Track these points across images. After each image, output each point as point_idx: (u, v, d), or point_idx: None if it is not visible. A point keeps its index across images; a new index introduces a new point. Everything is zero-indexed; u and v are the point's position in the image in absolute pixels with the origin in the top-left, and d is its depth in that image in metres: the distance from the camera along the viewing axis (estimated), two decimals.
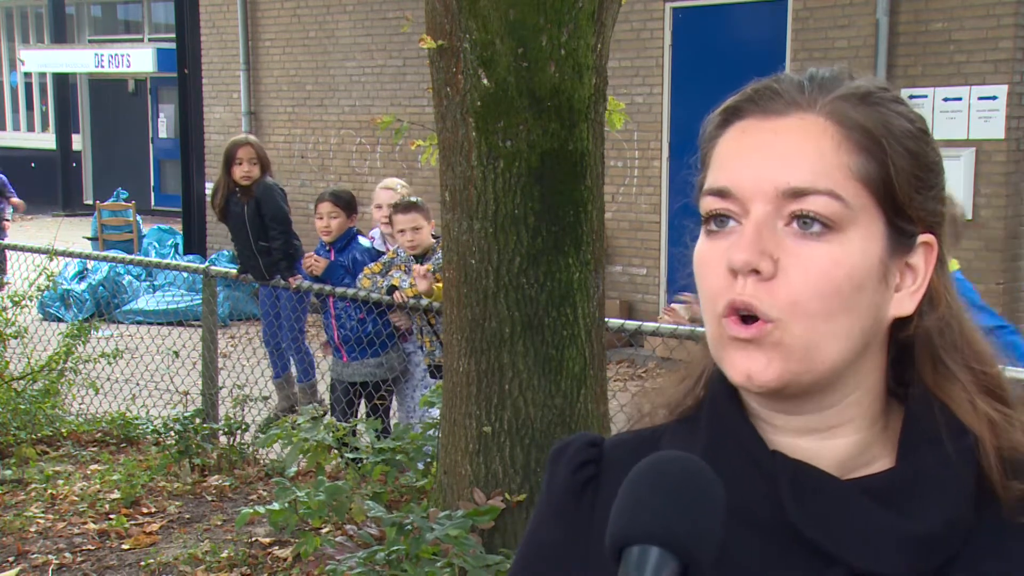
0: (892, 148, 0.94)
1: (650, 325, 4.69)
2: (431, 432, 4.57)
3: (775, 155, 0.93)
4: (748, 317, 0.92)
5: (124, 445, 6.10)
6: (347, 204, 6.16)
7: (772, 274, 0.91)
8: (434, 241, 5.51)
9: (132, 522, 4.90)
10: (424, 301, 5.36)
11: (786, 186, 0.92)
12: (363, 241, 6.25)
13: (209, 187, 11.47)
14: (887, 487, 0.94)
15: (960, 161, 7.66)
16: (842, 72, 0.98)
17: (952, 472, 0.94)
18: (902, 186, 0.94)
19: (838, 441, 0.97)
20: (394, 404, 6.06)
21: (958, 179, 7.68)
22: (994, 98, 7.70)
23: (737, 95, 0.99)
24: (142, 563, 4.46)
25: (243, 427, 5.76)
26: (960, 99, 7.81)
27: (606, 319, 4.07)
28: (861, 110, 0.94)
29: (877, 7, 8.11)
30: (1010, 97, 7.65)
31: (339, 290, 5.76)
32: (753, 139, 0.95)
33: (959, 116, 7.80)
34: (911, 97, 7.92)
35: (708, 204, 0.95)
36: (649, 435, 1.05)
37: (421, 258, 5.56)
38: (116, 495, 5.13)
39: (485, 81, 3.61)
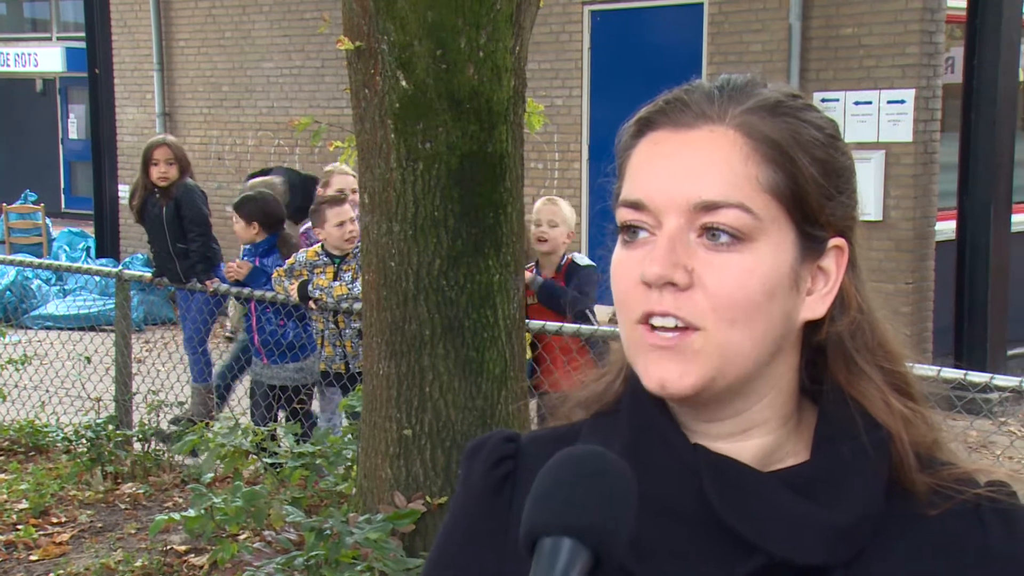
0: (800, 159, 0.95)
1: (571, 326, 4.71)
2: (351, 436, 4.53)
3: (685, 168, 0.94)
4: (664, 326, 0.93)
5: (33, 454, 5.94)
6: None
7: (688, 284, 0.93)
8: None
9: (41, 532, 4.78)
10: (344, 304, 5.32)
11: (697, 199, 0.93)
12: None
13: (122, 189, 11.26)
14: (806, 479, 0.96)
15: (870, 163, 7.84)
16: (754, 80, 0.99)
17: (867, 465, 0.96)
18: (811, 194, 0.96)
19: (753, 442, 0.99)
20: (316, 407, 6.00)
21: (868, 181, 7.86)
22: (902, 102, 7.89)
23: (650, 105, 1.00)
24: (51, 574, 4.34)
25: (158, 433, 5.65)
26: (870, 103, 7.99)
27: (527, 320, 4.08)
28: (770, 122, 0.96)
29: (790, 12, 8.26)
30: (917, 101, 7.85)
31: (257, 293, 5.68)
32: (664, 151, 0.96)
33: (869, 119, 7.98)
34: (823, 100, 8.09)
35: (623, 215, 0.97)
36: (566, 431, 1.06)
37: (341, 258, 5.51)
38: (24, 505, 5.00)
39: (403, 83, 3.59)
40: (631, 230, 0.96)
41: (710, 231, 0.93)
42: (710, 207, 0.93)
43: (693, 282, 0.93)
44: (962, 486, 0.97)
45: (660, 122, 0.98)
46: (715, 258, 0.93)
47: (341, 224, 5.48)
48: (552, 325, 4.72)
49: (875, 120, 7.96)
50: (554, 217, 5.20)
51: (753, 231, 0.93)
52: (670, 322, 0.93)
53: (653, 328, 0.94)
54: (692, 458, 0.97)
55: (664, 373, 0.94)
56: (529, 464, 1.02)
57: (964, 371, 3.84)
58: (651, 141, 0.97)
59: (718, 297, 0.92)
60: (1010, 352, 7.87)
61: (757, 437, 0.98)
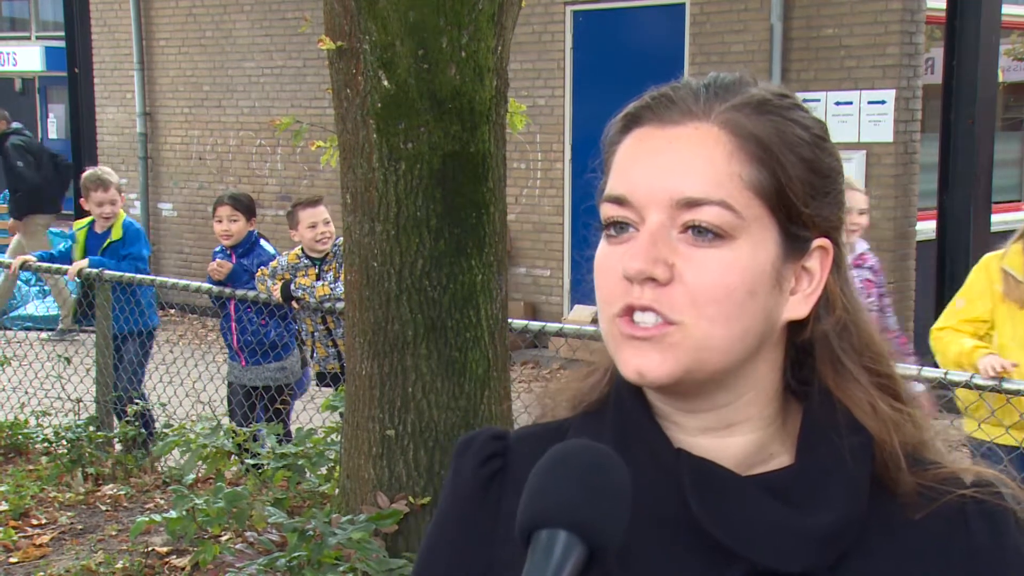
0: (785, 157, 0.95)
1: (553, 326, 4.71)
2: (333, 436, 4.52)
3: (669, 165, 0.94)
4: (644, 322, 0.94)
5: (12, 455, 5.90)
6: (247, 207, 6.04)
7: (668, 279, 0.93)
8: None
9: (21, 535, 4.75)
10: (326, 304, 5.30)
11: (680, 196, 0.93)
12: (266, 246, 6.14)
13: None
14: (787, 484, 0.96)
15: (851, 163, 7.88)
16: (743, 79, 0.99)
17: (849, 469, 0.96)
18: (796, 194, 0.95)
19: (736, 439, 0.98)
20: (295, 408, 5.98)
21: None
22: (883, 102, 7.93)
23: (637, 101, 1.00)
24: None
25: (139, 435, 5.62)
26: (851, 103, 8.03)
27: (510, 320, 4.08)
28: (755, 119, 0.96)
29: (771, 12, 8.29)
30: (897, 101, 7.89)
31: (239, 292, 5.66)
32: (648, 148, 0.96)
33: (850, 120, 8.02)
34: (804, 101, 8.12)
35: (607, 211, 0.97)
36: (555, 428, 1.06)
37: (321, 259, 5.50)
38: (3, 507, 4.96)
39: (385, 83, 3.58)
40: (615, 225, 0.96)
41: (693, 228, 0.93)
42: (692, 204, 0.93)
43: (673, 277, 0.93)
44: (948, 486, 0.97)
45: (646, 118, 0.98)
46: (696, 253, 0.93)
47: (313, 226, 5.48)
48: (552, 326, 4.70)
49: (856, 120, 8.00)
50: None
51: (735, 228, 0.93)
52: (650, 317, 0.93)
53: (633, 321, 0.94)
54: (675, 463, 0.96)
55: (642, 361, 0.94)
56: (519, 462, 1.02)
57: (944, 370, 3.87)
58: (637, 137, 0.97)
59: (697, 291, 0.93)
60: None
61: (739, 435, 0.98)
